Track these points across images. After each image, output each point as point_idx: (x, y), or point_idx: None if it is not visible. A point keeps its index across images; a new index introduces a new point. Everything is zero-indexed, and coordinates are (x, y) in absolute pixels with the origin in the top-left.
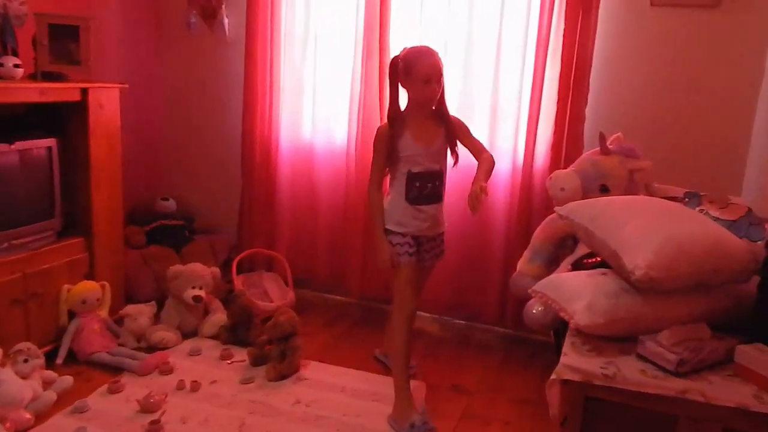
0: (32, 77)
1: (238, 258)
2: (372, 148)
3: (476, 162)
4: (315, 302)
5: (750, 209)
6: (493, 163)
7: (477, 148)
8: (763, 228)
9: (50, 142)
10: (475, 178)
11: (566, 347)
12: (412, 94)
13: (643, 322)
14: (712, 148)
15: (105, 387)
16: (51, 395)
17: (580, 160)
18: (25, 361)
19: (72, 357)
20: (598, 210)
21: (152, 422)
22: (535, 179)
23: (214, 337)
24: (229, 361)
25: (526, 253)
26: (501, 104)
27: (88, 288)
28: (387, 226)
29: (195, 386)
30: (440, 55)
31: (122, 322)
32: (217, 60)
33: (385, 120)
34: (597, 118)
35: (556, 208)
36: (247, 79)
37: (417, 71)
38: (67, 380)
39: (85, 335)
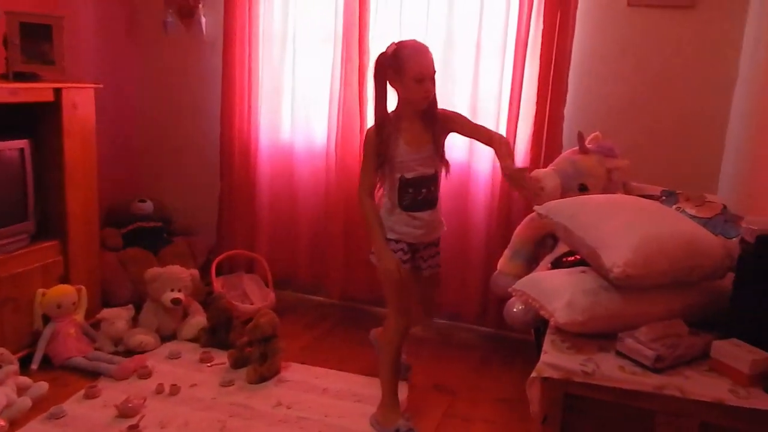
0: (4, 77)
1: (217, 260)
2: (361, 151)
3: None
4: (296, 303)
5: (725, 207)
6: (508, 141)
7: (485, 135)
8: (738, 225)
9: (23, 143)
10: (502, 165)
11: (546, 345)
12: (403, 94)
13: (621, 319)
14: (689, 147)
15: (81, 392)
16: (26, 401)
17: (559, 159)
18: None
19: (47, 362)
20: (577, 208)
21: (130, 427)
22: None
23: (193, 340)
24: (209, 364)
25: (507, 252)
26: (480, 104)
27: (64, 292)
28: None
29: (174, 390)
30: None
31: (99, 326)
32: (195, 60)
33: (366, 121)
34: (575, 118)
35: (536, 208)
36: (225, 78)
37: (410, 69)
38: (42, 386)
39: (60, 340)
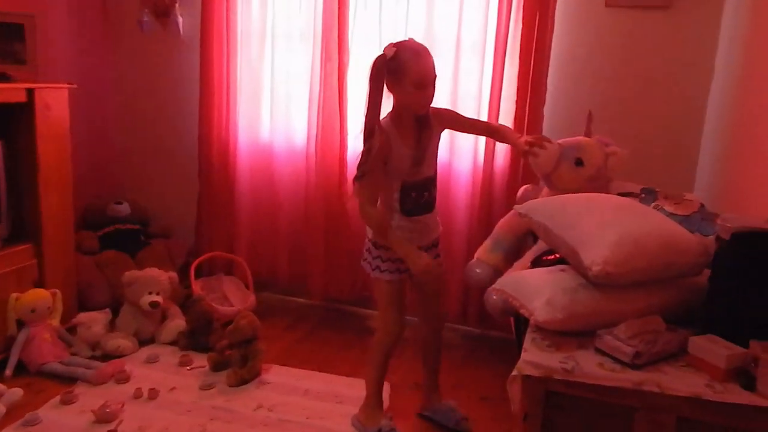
0: None
1: (196, 262)
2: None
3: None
4: (277, 305)
5: (702, 205)
6: (506, 126)
7: (481, 128)
8: (714, 223)
9: None
10: (513, 142)
11: (527, 343)
12: (402, 100)
13: (600, 316)
14: (666, 145)
15: (57, 398)
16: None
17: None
18: None
19: (22, 368)
20: (556, 208)
21: None
22: (496, 178)
23: (172, 344)
24: (188, 368)
25: (487, 242)
26: (460, 103)
27: (38, 296)
28: (376, 239)
29: (153, 394)
30: None
31: (75, 331)
32: (171, 59)
33: (347, 120)
34: (555, 117)
35: (516, 207)
36: (203, 78)
37: (410, 74)
38: (17, 392)
39: (35, 345)
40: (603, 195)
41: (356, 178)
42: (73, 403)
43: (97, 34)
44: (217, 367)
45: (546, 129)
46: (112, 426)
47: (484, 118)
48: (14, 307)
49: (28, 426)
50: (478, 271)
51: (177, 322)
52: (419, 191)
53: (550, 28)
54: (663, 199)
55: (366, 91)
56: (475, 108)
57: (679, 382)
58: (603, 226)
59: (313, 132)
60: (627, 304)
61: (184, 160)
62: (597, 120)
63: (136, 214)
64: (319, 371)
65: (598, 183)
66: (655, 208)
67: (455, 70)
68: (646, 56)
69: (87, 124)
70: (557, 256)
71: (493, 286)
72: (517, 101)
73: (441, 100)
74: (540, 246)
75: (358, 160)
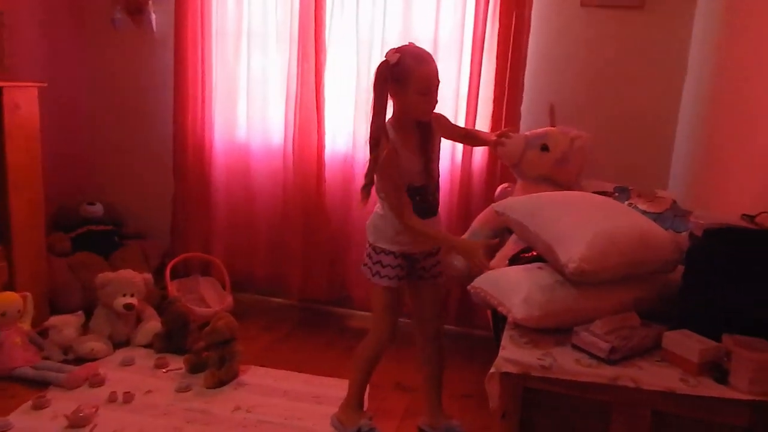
0: None
1: (172, 263)
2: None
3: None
4: (254, 305)
5: (675, 202)
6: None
7: (462, 133)
8: (687, 219)
9: None
10: (484, 140)
11: (505, 341)
12: (405, 106)
13: (577, 313)
14: (640, 143)
15: (29, 403)
16: None
17: None
18: None
19: None
20: (533, 206)
21: None
22: (474, 177)
23: (147, 346)
24: (164, 370)
25: (465, 236)
26: (438, 104)
27: (8, 299)
28: (378, 244)
29: (128, 397)
30: (376, 56)
31: (47, 334)
32: (145, 58)
33: (324, 119)
34: (532, 116)
35: (493, 205)
36: (178, 76)
37: (416, 80)
38: None
39: (5, 349)
40: (579, 193)
41: (363, 188)
42: (46, 408)
43: (69, 31)
44: (194, 369)
45: (524, 128)
46: (86, 430)
47: (462, 118)
48: None
49: None
50: (455, 263)
51: (152, 324)
52: (423, 195)
53: (527, 28)
54: (636, 197)
55: (371, 99)
56: (453, 108)
57: (654, 376)
58: (579, 223)
59: (291, 131)
60: (603, 301)
61: (159, 160)
62: (572, 118)
63: (110, 215)
64: (298, 372)
65: (568, 167)
66: (628, 206)
67: None
68: (620, 55)
69: (58, 123)
70: (534, 253)
71: (471, 284)
72: (494, 100)
73: None
74: (518, 242)
75: (366, 168)
